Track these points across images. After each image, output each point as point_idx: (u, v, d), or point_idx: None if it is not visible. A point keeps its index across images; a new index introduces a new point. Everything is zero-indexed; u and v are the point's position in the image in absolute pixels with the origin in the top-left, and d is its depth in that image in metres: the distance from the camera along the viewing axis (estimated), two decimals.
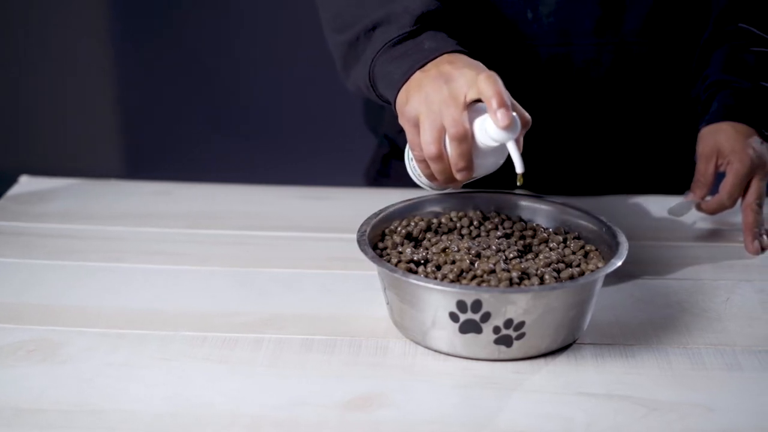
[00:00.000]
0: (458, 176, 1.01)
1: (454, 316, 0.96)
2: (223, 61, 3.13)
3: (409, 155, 1.10)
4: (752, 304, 1.13)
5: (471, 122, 0.98)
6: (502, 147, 0.99)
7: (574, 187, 1.46)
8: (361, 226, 1.08)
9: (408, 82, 1.05)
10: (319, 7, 1.24)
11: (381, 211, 1.13)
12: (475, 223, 1.14)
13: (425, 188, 1.12)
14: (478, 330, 0.96)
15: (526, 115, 1.01)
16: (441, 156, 1.00)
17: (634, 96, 1.41)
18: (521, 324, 0.96)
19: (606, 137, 1.43)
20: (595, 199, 1.44)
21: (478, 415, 0.90)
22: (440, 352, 1.00)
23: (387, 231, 1.12)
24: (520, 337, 0.97)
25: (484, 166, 1.02)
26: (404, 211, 1.15)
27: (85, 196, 1.45)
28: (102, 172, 1.61)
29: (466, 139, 0.98)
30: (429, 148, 1.00)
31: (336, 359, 1.00)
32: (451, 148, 0.99)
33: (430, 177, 1.06)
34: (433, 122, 0.99)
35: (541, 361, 0.99)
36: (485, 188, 1.20)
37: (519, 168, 0.98)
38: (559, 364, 0.99)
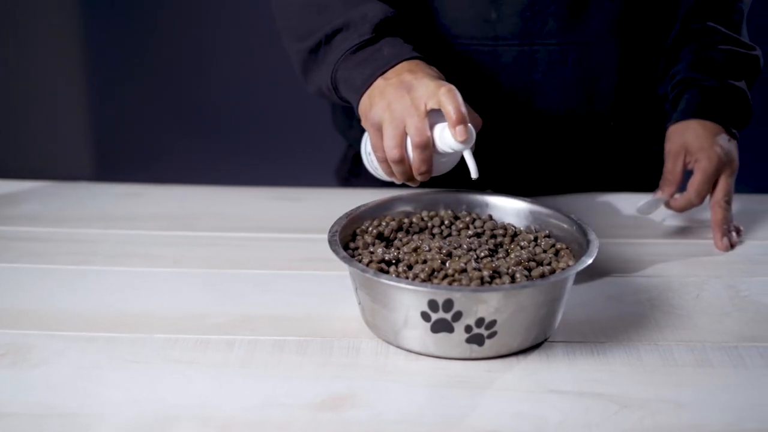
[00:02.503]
0: (419, 178, 1.09)
1: (425, 316, 0.96)
2: (194, 62, 3.12)
3: (366, 149, 1.17)
4: (722, 300, 1.14)
5: (431, 128, 1.06)
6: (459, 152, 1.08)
7: (543, 186, 1.46)
8: (333, 226, 1.08)
9: (370, 88, 1.11)
10: (276, 18, 1.28)
11: (352, 211, 1.13)
12: (446, 222, 1.15)
13: (381, 178, 1.17)
14: (449, 329, 0.96)
15: (478, 119, 1.10)
16: (402, 160, 1.07)
17: (601, 95, 1.41)
18: (493, 323, 0.96)
19: (574, 136, 1.43)
20: (565, 197, 1.44)
21: (451, 414, 0.90)
22: (412, 352, 1.00)
23: (358, 231, 1.12)
24: (491, 335, 0.97)
25: (442, 167, 1.11)
26: (375, 211, 1.15)
27: (54, 199, 1.45)
28: (71, 174, 1.60)
29: (428, 147, 1.06)
30: (392, 152, 1.07)
31: (308, 360, 0.99)
32: (414, 155, 1.06)
33: (390, 174, 1.12)
34: (395, 128, 1.06)
35: (513, 360, 1.00)
36: (455, 188, 1.21)
37: (474, 174, 1.07)
38: (531, 363, 0.99)
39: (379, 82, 1.10)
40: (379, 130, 1.09)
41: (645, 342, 1.04)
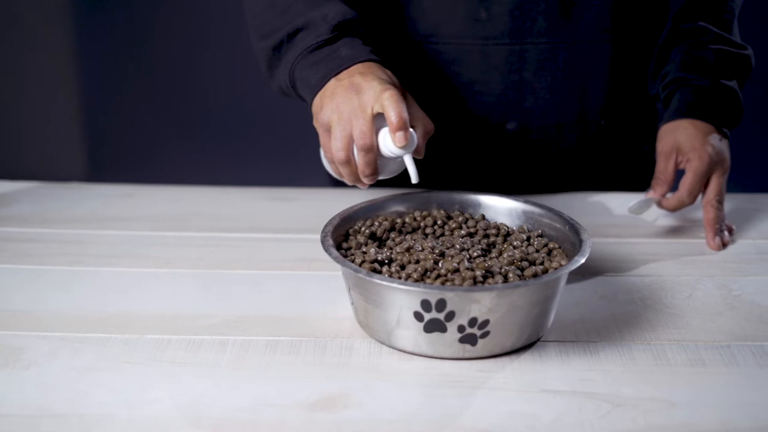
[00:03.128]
0: (364, 180, 1.10)
1: (418, 316, 0.96)
2: (186, 63, 3.11)
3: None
4: (714, 299, 1.14)
5: (377, 131, 1.07)
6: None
7: (535, 186, 1.46)
8: (325, 226, 1.08)
9: (323, 89, 1.12)
10: (246, 16, 1.29)
11: (345, 211, 1.13)
12: (438, 222, 1.15)
13: (336, 178, 1.18)
14: (442, 329, 0.96)
15: (429, 125, 1.10)
16: (349, 161, 1.09)
17: (591, 94, 1.41)
18: (486, 322, 0.96)
19: (564, 135, 1.44)
20: (557, 197, 1.44)
21: (443, 414, 0.90)
22: (405, 352, 1.00)
23: (351, 231, 1.12)
24: (484, 335, 0.97)
25: (389, 170, 1.11)
26: (368, 211, 1.15)
27: (46, 199, 1.44)
28: (63, 175, 1.60)
29: (372, 150, 1.06)
30: (338, 154, 1.08)
31: (301, 360, 0.99)
32: (358, 157, 1.07)
33: (339, 175, 1.12)
34: (342, 130, 1.07)
35: (505, 359, 1.00)
36: (451, 189, 1.21)
37: (414, 179, 1.08)
38: (524, 362, 0.99)
39: (332, 83, 1.11)
40: (328, 131, 1.09)
41: (638, 341, 1.04)
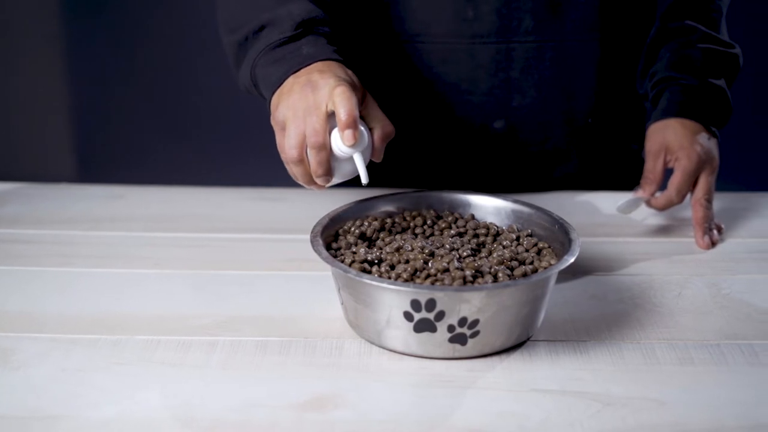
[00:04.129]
0: (318, 181, 1.07)
1: (408, 316, 0.96)
2: (176, 64, 3.11)
3: None
4: (704, 298, 1.14)
5: (331, 131, 1.04)
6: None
7: (524, 185, 1.46)
8: (315, 226, 1.08)
9: (282, 86, 1.10)
10: (217, 9, 1.27)
11: (334, 211, 1.13)
12: (428, 222, 1.15)
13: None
14: (432, 329, 0.96)
15: (388, 126, 1.08)
16: (302, 160, 1.06)
17: (579, 93, 1.42)
18: (475, 322, 0.96)
19: (552, 134, 1.44)
20: (546, 196, 1.45)
21: (434, 413, 0.90)
22: (395, 352, 1.00)
23: (341, 231, 1.12)
24: (474, 335, 0.97)
25: (342, 172, 1.08)
26: (358, 211, 1.15)
27: (36, 200, 1.44)
28: (53, 176, 1.59)
29: (324, 148, 1.04)
30: (291, 152, 1.05)
31: (291, 360, 0.99)
32: (310, 156, 1.05)
33: (293, 176, 1.09)
34: (296, 128, 1.05)
35: (495, 359, 1.00)
36: (427, 189, 1.21)
37: (364, 180, 1.06)
38: (514, 362, 1.00)
39: (290, 80, 1.09)
40: (283, 129, 1.07)
41: (627, 340, 1.04)
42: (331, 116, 1.04)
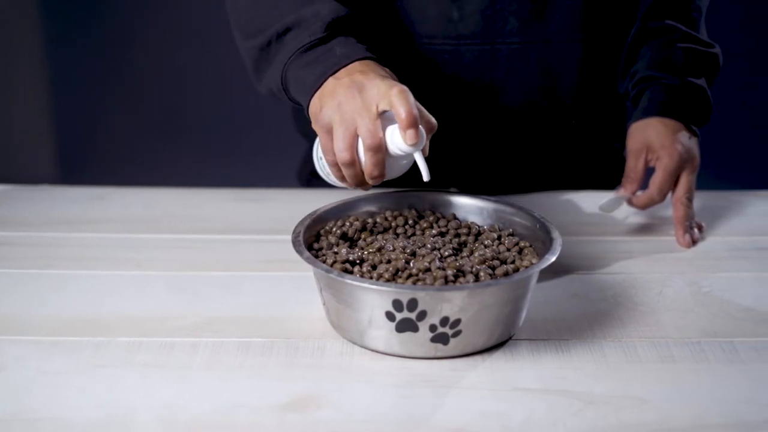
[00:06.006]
0: (371, 182, 1.06)
1: (390, 316, 0.96)
2: (156, 65, 3.11)
3: (318, 153, 1.13)
4: (684, 296, 1.15)
5: (383, 130, 1.02)
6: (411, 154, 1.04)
7: (506, 185, 1.47)
8: (296, 227, 1.08)
9: (321, 88, 1.08)
10: (230, 14, 1.26)
11: (316, 211, 1.13)
12: (410, 222, 1.15)
13: (333, 184, 1.15)
14: (414, 329, 0.96)
15: (432, 120, 1.05)
16: (354, 162, 1.04)
17: (563, 93, 1.42)
18: (457, 321, 0.96)
19: (536, 134, 1.44)
20: (528, 196, 1.45)
21: (416, 413, 0.90)
22: (377, 352, 1.00)
23: (322, 231, 1.12)
24: (456, 334, 0.97)
25: (395, 170, 1.07)
26: (339, 211, 1.15)
27: (15, 202, 1.44)
28: (33, 178, 1.59)
29: (381, 150, 1.02)
30: (343, 155, 1.03)
31: (273, 361, 0.99)
32: (366, 157, 1.03)
33: (341, 179, 1.09)
34: (346, 130, 1.03)
35: (477, 358, 1.00)
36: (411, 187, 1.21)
37: (426, 177, 1.04)
38: (496, 361, 1.00)
39: (330, 82, 1.07)
40: (329, 132, 1.05)
41: (609, 339, 1.04)
42: (381, 116, 1.02)
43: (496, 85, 1.38)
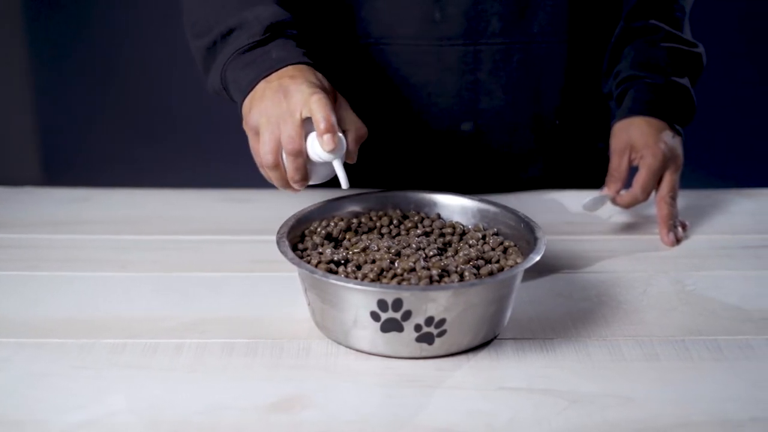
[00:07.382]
0: (294, 186, 1.07)
1: (375, 316, 0.96)
2: (141, 66, 3.10)
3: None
4: (668, 295, 1.15)
5: (306, 135, 1.04)
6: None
7: (490, 185, 1.47)
8: (281, 227, 1.08)
9: (253, 91, 1.10)
10: (183, 12, 1.26)
11: (300, 212, 1.13)
12: (394, 222, 1.15)
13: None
14: (399, 328, 0.96)
15: (361, 129, 1.08)
16: (278, 165, 1.06)
17: (546, 93, 1.42)
18: (442, 321, 0.96)
19: (519, 135, 1.44)
20: (512, 195, 1.45)
21: (401, 413, 0.90)
22: (362, 352, 1.00)
23: (307, 232, 1.12)
24: (441, 334, 0.97)
25: (319, 175, 1.08)
26: (324, 212, 1.15)
27: None
28: (17, 180, 1.58)
29: (301, 155, 1.04)
30: (267, 158, 1.05)
31: (258, 362, 0.99)
32: (286, 162, 1.05)
33: (269, 180, 1.10)
34: (271, 134, 1.05)
35: (462, 358, 1.00)
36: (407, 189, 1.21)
37: (344, 185, 1.06)
38: (481, 360, 1.00)
39: (261, 86, 1.09)
40: (256, 134, 1.07)
41: (593, 337, 1.05)
42: (305, 122, 1.04)
43: (479, 86, 1.38)
